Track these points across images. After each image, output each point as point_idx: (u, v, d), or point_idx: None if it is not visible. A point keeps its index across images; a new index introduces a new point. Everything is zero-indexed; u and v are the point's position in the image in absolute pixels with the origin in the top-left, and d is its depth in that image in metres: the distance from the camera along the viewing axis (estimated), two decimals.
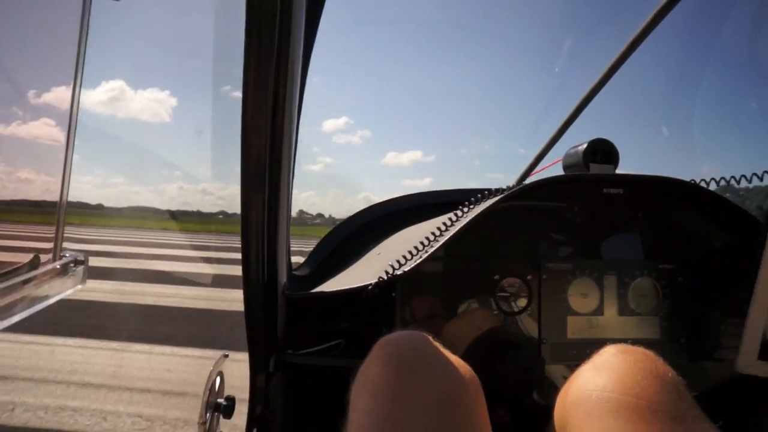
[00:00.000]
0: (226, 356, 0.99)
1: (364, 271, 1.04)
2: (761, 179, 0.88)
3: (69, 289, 0.59)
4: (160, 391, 3.45)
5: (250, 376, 1.02)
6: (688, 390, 0.58)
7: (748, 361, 0.81)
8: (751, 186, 0.92)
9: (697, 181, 1.00)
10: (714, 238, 1.05)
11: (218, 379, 0.96)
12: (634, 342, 0.98)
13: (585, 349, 0.94)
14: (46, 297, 0.54)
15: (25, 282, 0.52)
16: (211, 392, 0.94)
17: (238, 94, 0.72)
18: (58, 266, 0.57)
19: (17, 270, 0.52)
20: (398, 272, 0.90)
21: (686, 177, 1.02)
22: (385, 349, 0.62)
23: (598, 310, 1.00)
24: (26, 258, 0.58)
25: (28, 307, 0.50)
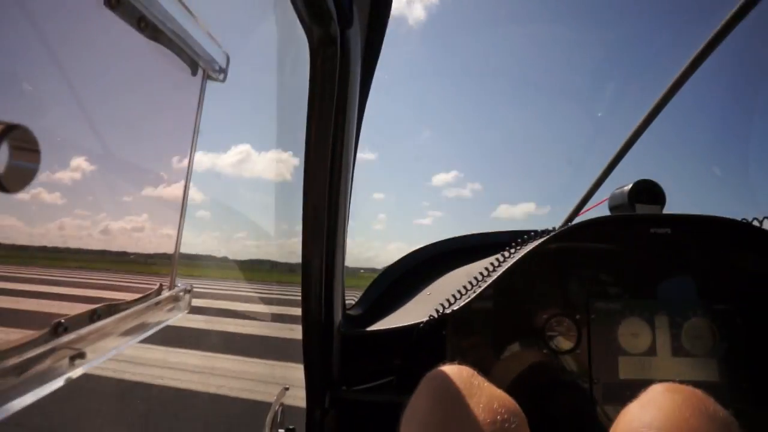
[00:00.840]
0: (287, 389, 1.05)
1: (415, 310, 1.08)
2: None
3: (179, 313, 0.69)
4: None
5: (307, 410, 1.08)
6: None
7: None
8: None
9: (749, 219, 0.99)
10: None
11: (280, 411, 1.03)
12: (691, 384, 0.97)
13: (639, 390, 0.93)
14: (163, 320, 0.65)
15: (156, 304, 0.63)
16: (273, 423, 1.00)
17: None
18: (173, 294, 0.68)
19: (147, 296, 0.63)
20: (448, 311, 0.94)
21: (746, 216, 1.01)
22: (433, 382, 0.65)
23: (651, 351, 1.00)
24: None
25: (153, 327, 0.62)
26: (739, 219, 0.99)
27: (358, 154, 0.99)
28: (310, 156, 0.81)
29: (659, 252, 1.04)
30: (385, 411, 0.92)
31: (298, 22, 0.65)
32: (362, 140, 0.96)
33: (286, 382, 1.09)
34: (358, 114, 0.92)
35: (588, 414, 0.93)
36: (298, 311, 1.00)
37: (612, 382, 0.98)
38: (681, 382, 0.96)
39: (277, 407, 1.01)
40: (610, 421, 0.98)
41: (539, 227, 1.06)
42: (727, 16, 0.96)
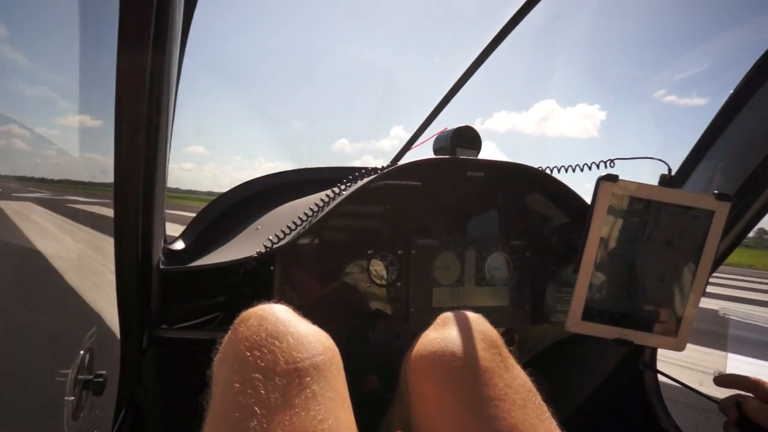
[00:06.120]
0: (96, 330, 0.96)
1: (243, 245, 1.05)
2: (590, 168, 1.05)
3: None
4: None
5: (121, 352, 1.00)
6: (529, 346, 0.67)
7: (573, 322, 0.96)
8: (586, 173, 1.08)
9: (543, 168, 1.15)
10: (556, 218, 1.22)
11: (87, 356, 0.93)
12: (488, 309, 1.12)
13: None
14: None
15: None
16: (80, 369, 0.91)
17: None
18: None
19: None
20: (276, 246, 0.93)
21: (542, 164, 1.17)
22: (245, 322, 0.64)
23: (459, 282, 1.12)
24: None
25: None
26: (536, 167, 1.14)
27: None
28: (122, 72, 0.70)
29: (473, 193, 1.15)
30: (208, 348, 0.90)
31: None
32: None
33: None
34: (184, 18, 0.82)
35: (404, 340, 1.01)
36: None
37: (426, 310, 1.09)
38: (482, 308, 1.11)
39: (83, 351, 0.92)
40: None
41: None
42: None
